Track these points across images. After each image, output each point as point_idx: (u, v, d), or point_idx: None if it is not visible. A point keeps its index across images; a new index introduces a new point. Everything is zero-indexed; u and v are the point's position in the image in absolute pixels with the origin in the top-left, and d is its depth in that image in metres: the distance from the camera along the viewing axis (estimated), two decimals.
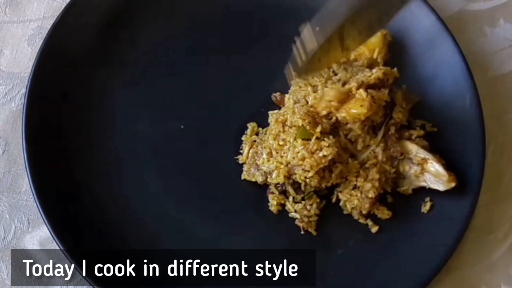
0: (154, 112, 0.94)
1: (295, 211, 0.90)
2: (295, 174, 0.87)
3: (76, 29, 0.93)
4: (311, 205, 0.89)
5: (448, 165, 0.89)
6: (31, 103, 0.89)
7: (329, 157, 0.86)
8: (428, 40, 0.95)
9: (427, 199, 0.91)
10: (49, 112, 0.90)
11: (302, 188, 0.89)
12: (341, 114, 0.88)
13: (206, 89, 0.95)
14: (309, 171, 0.86)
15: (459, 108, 0.93)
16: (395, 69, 0.92)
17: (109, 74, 0.94)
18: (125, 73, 0.95)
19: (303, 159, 0.86)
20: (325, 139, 0.87)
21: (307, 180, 0.87)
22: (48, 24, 0.95)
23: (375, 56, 0.94)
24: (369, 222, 0.90)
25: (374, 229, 0.90)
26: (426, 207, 0.91)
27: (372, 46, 0.95)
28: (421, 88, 0.94)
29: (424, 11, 0.95)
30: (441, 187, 0.88)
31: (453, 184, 0.88)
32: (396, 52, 0.96)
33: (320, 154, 0.86)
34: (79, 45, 0.93)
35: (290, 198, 0.90)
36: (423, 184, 0.90)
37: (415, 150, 0.90)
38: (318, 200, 0.90)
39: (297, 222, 0.90)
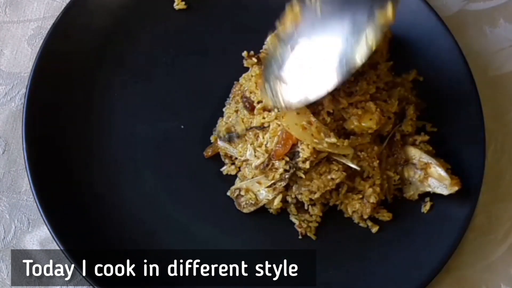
0: (153, 112, 0.94)
1: (296, 215, 0.89)
2: (301, 194, 0.87)
3: (76, 29, 0.93)
4: (314, 212, 0.89)
5: (450, 167, 0.89)
6: (31, 103, 0.89)
7: (337, 181, 0.86)
8: (428, 40, 0.95)
9: (427, 199, 0.91)
10: (49, 112, 0.90)
11: (306, 207, 0.88)
12: (350, 126, 0.86)
13: (206, 89, 0.95)
14: (315, 193, 0.86)
15: (459, 108, 0.92)
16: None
17: (109, 74, 0.94)
18: (125, 73, 0.95)
19: (311, 179, 0.86)
20: (334, 162, 0.86)
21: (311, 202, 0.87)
22: (48, 24, 0.95)
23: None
24: (369, 223, 0.90)
25: (374, 229, 0.90)
26: (426, 208, 0.90)
27: None
28: (421, 89, 0.94)
29: (424, 11, 0.95)
30: (445, 191, 0.88)
31: (456, 188, 0.87)
32: (396, 51, 0.96)
33: (328, 177, 0.86)
34: (79, 45, 0.93)
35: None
36: (428, 189, 0.89)
37: (418, 155, 0.89)
38: (322, 210, 0.89)
39: (296, 226, 0.90)
